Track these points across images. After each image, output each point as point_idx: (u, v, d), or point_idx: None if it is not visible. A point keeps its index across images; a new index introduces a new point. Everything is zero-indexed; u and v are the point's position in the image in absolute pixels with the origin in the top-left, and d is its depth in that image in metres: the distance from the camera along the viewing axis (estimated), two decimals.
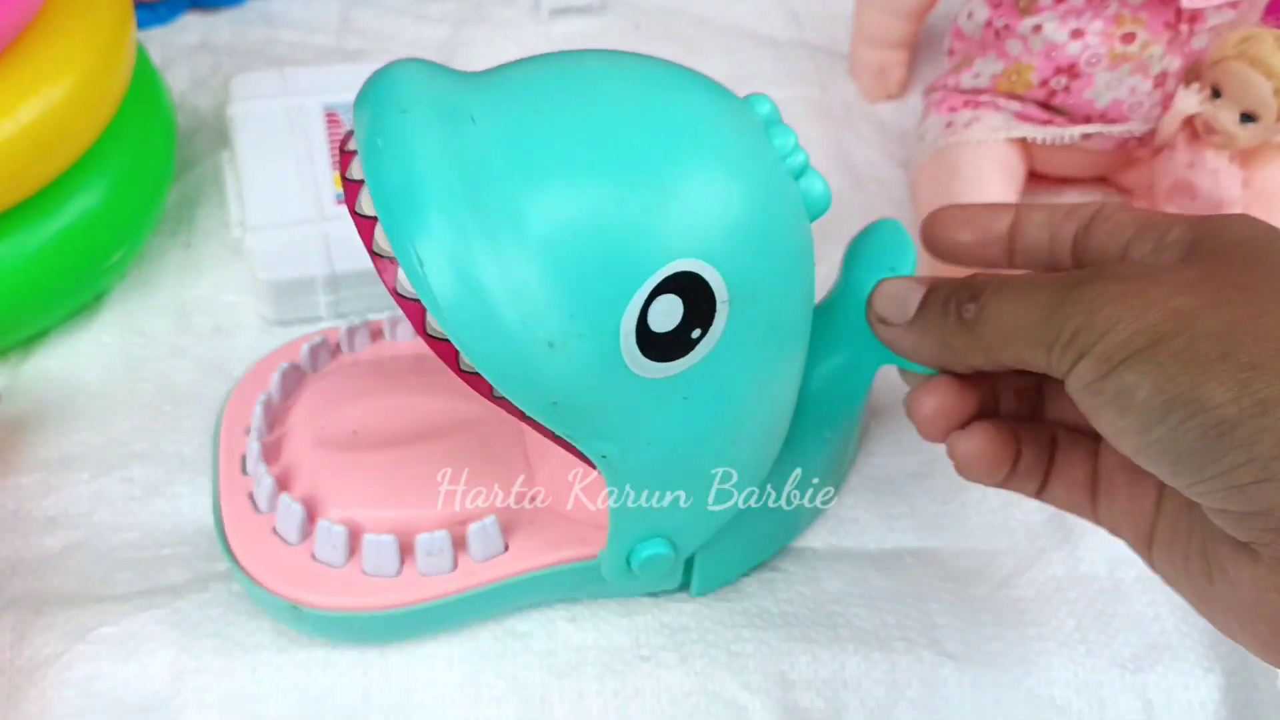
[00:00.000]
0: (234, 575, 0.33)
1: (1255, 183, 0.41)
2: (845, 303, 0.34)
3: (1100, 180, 0.46)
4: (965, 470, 0.31)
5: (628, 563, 0.32)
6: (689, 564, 0.34)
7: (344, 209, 0.40)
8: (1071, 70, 0.41)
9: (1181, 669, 0.35)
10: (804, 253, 0.29)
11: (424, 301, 0.24)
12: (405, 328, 0.37)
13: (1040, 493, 0.32)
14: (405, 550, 0.32)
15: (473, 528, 0.32)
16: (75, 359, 0.39)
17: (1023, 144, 0.43)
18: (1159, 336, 0.25)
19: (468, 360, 0.25)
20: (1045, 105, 0.42)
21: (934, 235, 0.33)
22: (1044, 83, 0.42)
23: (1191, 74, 0.40)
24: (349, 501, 0.33)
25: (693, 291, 0.26)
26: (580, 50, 0.28)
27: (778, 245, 0.28)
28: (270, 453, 0.34)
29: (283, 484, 0.33)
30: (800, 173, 0.28)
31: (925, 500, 0.38)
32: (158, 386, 0.39)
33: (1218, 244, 0.27)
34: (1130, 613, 0.36)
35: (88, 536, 0.36)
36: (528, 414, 0.26)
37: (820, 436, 0.35)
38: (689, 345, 0.27)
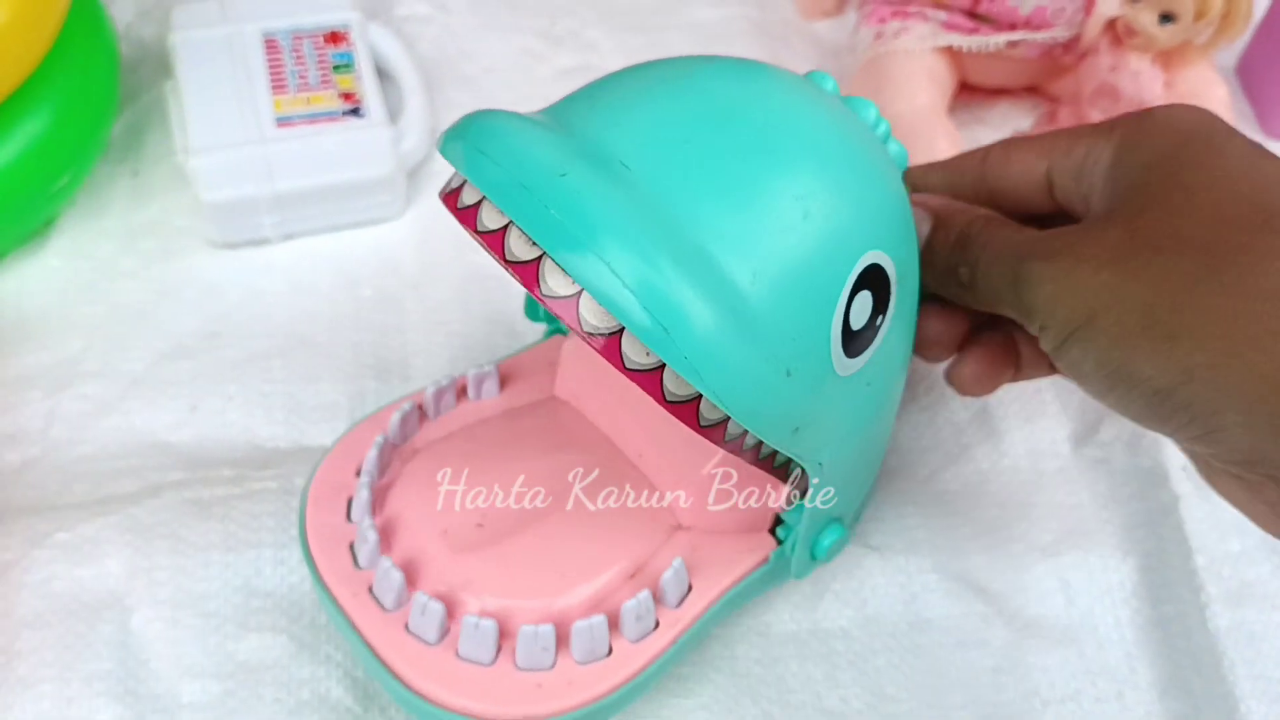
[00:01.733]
0: (386, 688, 0.30)
1: (1176, 84, 0.42)
2: None
3: (1031, 90, 0.47)
4: (965, 390, 0.33)
5: (812, 556, 0.33)
6: None
7: (286, 131, 0.41)
8: None
9: (1100, 553, 0.37)
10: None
11: (666, 354, 0.23)
12: (491, 385, 0.35)
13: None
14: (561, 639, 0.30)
15: (665, 577, 0.31)
16: (26, 283, 0.40)
17: (952, 53, 0.44)
18: (1091, 314, 0.26)
19: (704, 403, 0.25)
20: (971, 14, 0.43)
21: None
22: None
23: None
24: (493, 592, 0.30)
25: (877, 281, 0.27)
26: (658, 63, 0.28)
27: (909, 218, 0.29)
28: (384, 543, 0.31)
29: (409, 579, 0.30)
30: (886, 139, 0.30)
31: None
32: (108, 308, 0.40)
33: (1136, 177, 0.28)
34: (1050, 502, 0.38)
35: (44, 451, 0.37)
36: (766, 441, 0.26)
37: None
38: (874, 334, 0.27)
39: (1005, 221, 0.31)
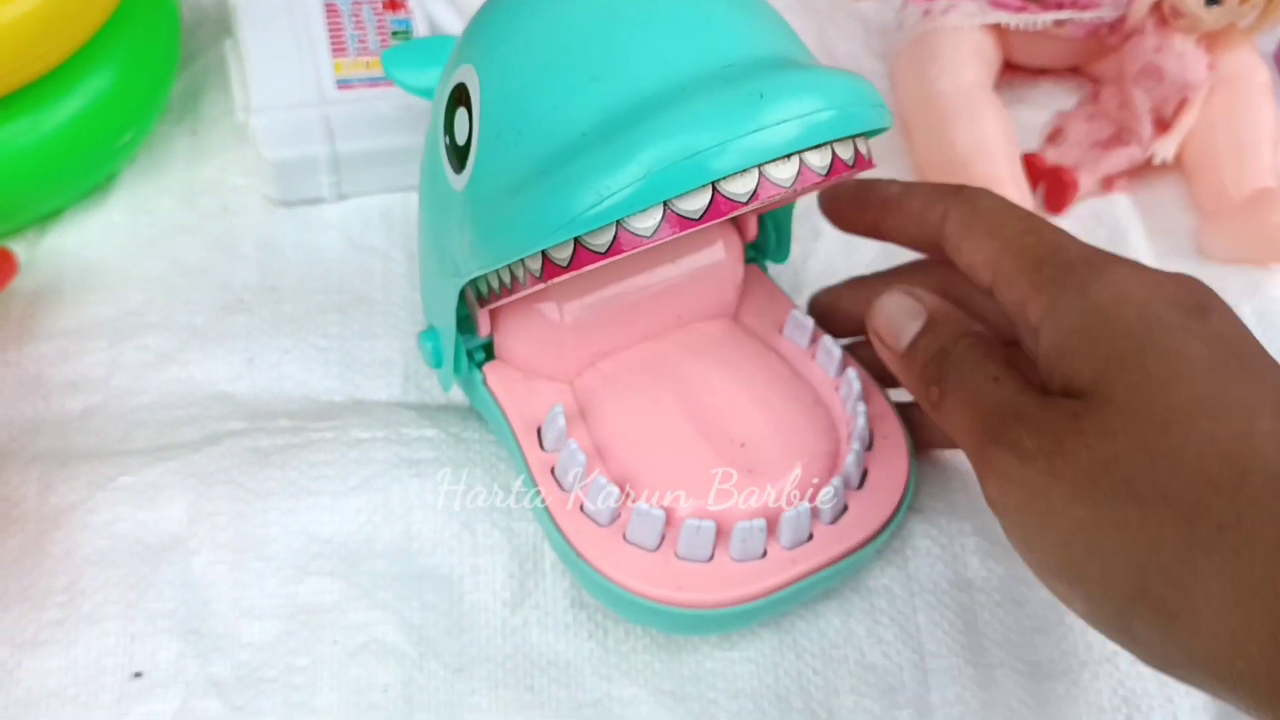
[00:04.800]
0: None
1: (1220, 65, 0.43)
2: None
3: (1073, 70, 0.47)
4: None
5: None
6: None
7: (346, 93, 0.42)
8: None
9: None
10: None
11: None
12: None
13: None
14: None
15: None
16: (89, 236, 0.41)
17: (998, 32, 0.44)
18: (1070, 557, 0.26)
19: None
20: None
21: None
22: None
23: None
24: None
25: None
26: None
27: None
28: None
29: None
30: None
31: None
32: (168, 262, 0.41)
33: (1098, 373, 0.26)
34: None
35: (106, 399, 0.38)
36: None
37: None
38: None
39: (987, 356, 0.29)
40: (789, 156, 0.26)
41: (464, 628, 0.34)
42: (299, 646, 0.33)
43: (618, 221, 0.26)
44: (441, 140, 0.31)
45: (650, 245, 0.26)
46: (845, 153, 0.28)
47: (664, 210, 0.26)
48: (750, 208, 0.27)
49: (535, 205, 0.26)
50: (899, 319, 0.31)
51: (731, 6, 0.29)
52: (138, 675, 0.32)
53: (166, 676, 0.32)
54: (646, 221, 0.26)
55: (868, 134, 0.29)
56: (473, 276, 0.30)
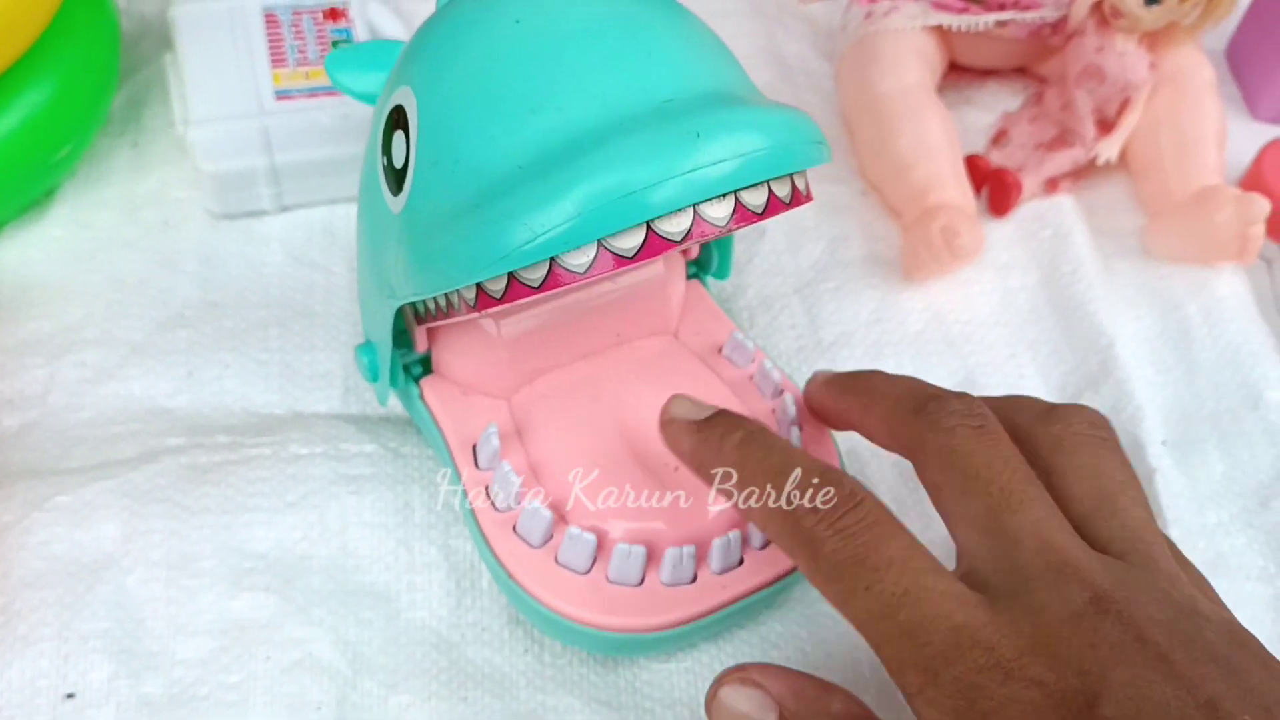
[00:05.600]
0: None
1: (1163, 64, 0.43)
2: None
3: (1019, 71, 0.47)
4: None
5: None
6: None
7: (285, 104, 0.42)
8: None
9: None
10: None
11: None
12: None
13: None
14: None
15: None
16: (28, 251, 0.41)
17: (941, 33, 0.44)
18: None
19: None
20: None
21: None
22: None
23: None
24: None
25: None
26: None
27: None
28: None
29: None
30: None
31: None
32: (108, 277, 0.41)
33: None
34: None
35: (43, 416, 0.38)
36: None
37: None
38: None
39: None
40: (724, 195, 0.26)
41: (400, 645, 0.34)
42: (232, 663, 0.33)
43: (552, 257, 0.26)
44: (380, 160, 0.31)
45: (585, 281, 0.26)
46: (782, 190, 0.27)
47: (598, 248, 0.26)
48: (685, 245, 0.26)
49: (469, 237, 0.26)
50: (748, 716, 0.28)
51: (674, 38, 0.28)
52: (70, 696, 0.32)
53: (99, 697, 0.32)
54: (581, 258, 0.26)
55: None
56: (407, 301, 0.30)
